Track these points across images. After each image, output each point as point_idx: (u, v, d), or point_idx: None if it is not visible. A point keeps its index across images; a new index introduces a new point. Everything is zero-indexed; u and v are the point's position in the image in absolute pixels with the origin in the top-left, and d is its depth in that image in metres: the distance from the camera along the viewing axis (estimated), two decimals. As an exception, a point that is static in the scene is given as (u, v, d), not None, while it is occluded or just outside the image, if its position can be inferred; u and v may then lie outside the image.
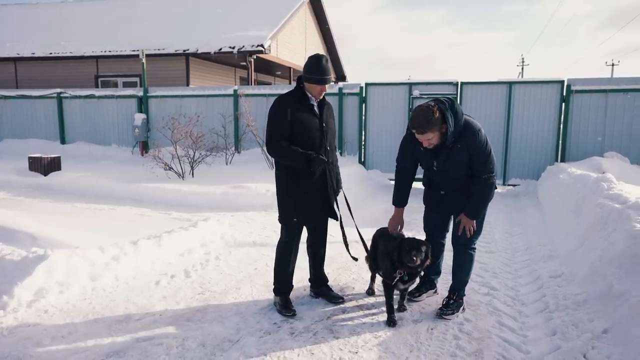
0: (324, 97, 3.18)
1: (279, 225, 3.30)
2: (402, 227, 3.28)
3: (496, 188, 3.10)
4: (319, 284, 3.49)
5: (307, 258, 3.49)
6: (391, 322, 3.02)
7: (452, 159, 2.94)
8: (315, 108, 3.14)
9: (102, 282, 3.59)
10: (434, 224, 3.31)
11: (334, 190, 3.24)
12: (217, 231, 4.94)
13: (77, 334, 2.87)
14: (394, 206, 3.25)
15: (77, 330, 2.91)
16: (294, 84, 3.19)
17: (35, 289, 3.21)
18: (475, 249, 3.21)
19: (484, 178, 2.91)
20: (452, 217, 3.26)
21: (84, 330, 2.92)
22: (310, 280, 3.53)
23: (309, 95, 3.11)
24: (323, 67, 3.04)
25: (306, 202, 3.14)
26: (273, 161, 3.31)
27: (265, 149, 8.65)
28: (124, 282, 3.69)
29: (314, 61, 3.06)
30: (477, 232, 3.13)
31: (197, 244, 4.56)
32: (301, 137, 3.05)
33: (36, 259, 3.34)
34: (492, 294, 3.53)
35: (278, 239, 3.33)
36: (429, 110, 2.76)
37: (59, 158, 8.81)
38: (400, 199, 3.22)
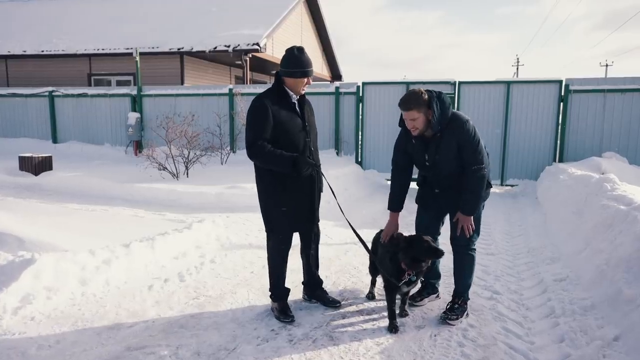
0: (303, 94, 3.03)
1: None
2: (396, 234, 3.18)
3: (491, 186, 3.04)
4: (314, 288, 3.37)
5: (301, 261, 3.36)
6: (393, 329, 2.92)
7: (442, 151, 2.91)
8: (297, 107, 2.99)
9: (92, 287, 3.45)
10: (426, 224, 3.22)
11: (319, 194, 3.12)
12: (212, 233, 4.81)
13: (65, 342, 2.73)
14: (389, 211, 3.17)
15: (65, 339, 2.77)
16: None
17: (21, 294, 3.07)
18: (475, 249, 3.12)
19: (474, 169, 2.86)
20: (448, 218, 3.16)
21: (72, 338, 2.79)
22: (303, 283, 3.40)
23: (290, 93, 2.95)
24: (305, 59, 2.89)
25: (295, 207, 2.99)
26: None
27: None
28: (115, 286, 3.55)
29: (295, 54, 2.89)
30: (476, 232, 3.05)
31: (191, 247, 4.43)
32: (284, 139, 2.87)
33: (23, 263, 3.20)
34: (495, 298, 3.44)
35: (266, 244, 3.18)
36: (417, 91, 2.89)
37: (50, 157, 8.63)
38: (395, 203, 3.14)
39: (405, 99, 2.89)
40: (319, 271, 3.41)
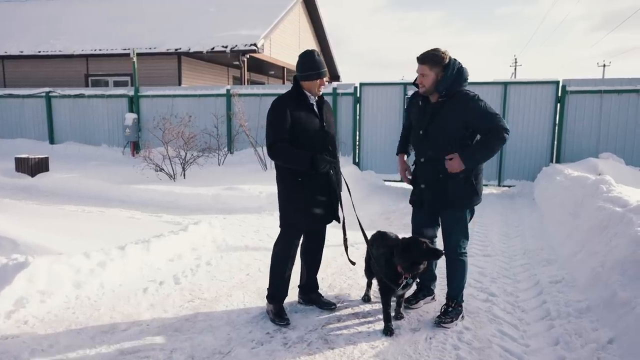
0: (322, 95, 3.11)
1: (273, 228, 3.19)
2: (409, 172, 3.30)
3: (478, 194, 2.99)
4: (310, 291, 3.37)
5: (300, 263, 3.35)
6: (388, 331, 2.91)
7: (438, 120, 2.91)
8: (315, 108, 3.06)
9: (87, 290, 3.43)
10: (421, 222, 3.22)
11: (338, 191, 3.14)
12: (208, 235, 4.79)
13: (58, 346, 2.72)
14: (397, 155, 3.41)
15: (59, 343, 2.76)
16: (287, 84, 3.10)
17: (15, 298, 3.06)
18: (465, 254, 3.11)
19: (495, 127, 2.77)
20: (440, 221, 3.15)
21: (65, 342, 2.77)
22: (300, 286, 3.39)
23: (308, 95, 3.03)
24: (318, 60, 2.98)
25: (313, 205, 3.03)
26: (272, 163, 3.20)
27: (257, 149, 8.55)
28: (110, 289, 3.54)
29: (309, 57, 2.98)
30: (464, 236, 3.06)
31: (187, 249, 4.42)
32: (303, 138, 2.95)
33: (16, 266, 3.19)
34: (491, 300, 3.43)
35: (274, 243, 3.20)
36: (441, 51, 2.87)
37: (46, 159, 8.60)
38: (401, 148, 3.37)
39: (425, 53, 2.90)
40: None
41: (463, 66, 2.89)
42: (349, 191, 3.25)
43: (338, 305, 3.34)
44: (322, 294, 3.42)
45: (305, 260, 3.33)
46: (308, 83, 2.99)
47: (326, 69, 3.03)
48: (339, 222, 3.20)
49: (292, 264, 3.16)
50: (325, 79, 3.02)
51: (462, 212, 3.02)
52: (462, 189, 2.94)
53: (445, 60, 2.84)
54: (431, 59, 2.85)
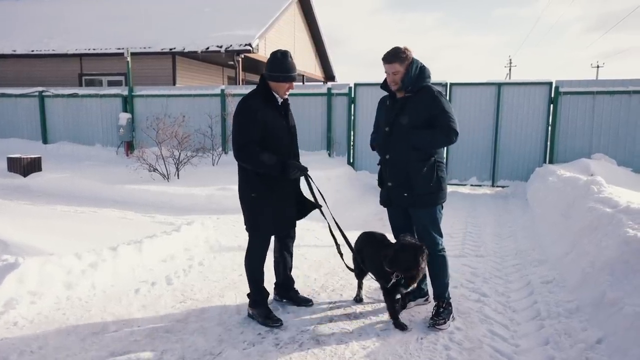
0: (286, 98, 3.06)
1: None
2: None
3: (443, 190, 3.03)
4: (288, 288, 3.36)
5: (273, 261, 3.33)
6: (400, 326, 2.94)
7: (404, 114, 2.98)
8: (281, 109, 3.01)
9: (78, 290, 3.42)
10: (395, 221, 3.26)
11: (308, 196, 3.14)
12: (201, 235, 4.78)
13: (47, 348, 2.71)
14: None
15: (48, 344, 2.74)
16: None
17: (4, 299, 3.04)
18: (444, 249, 3.13)
19: (447, 126, 2.90)
20: (413, 221, 3.17)
21: (55, 343, 2.76)
22: (276, 284, 3.37)
23: (275, 96, 2.96)
24: (289, 63, 2.89)
25: (280, 209, 3.00)
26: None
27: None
28: (101, 290, 3.52)
29: (279, 58, 2.90)
30: (438, 234, 3.08)
31: (180, 249, 4.41)
32: (270, 141, 2.88)
33: (6, 267, 3.17)
34: (482, 301, 3.45)
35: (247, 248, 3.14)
36: (402, 47, 3.01)
37: (39, 158, 8.55)
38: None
39: (392, 53, 2.98)
40: (308, 273, 3.42)
41: (425, 65, 3.02)
42: (324, 199, 3.22)
43: (330, 305, 3.35)
44: (314, 294, 3.43)
45: (277, 259, 3.31)
46: (275, 84, 2.92)
47: (295, 74, 2.95)
48: (304, 216, 3.22)
49: (264, 265, 3.13)
50: (292, 83, 2.95)
51: (431, 210, 3.05)
52: (428, 186, 2.98)
53: (408, 53, 2.97)
54: (397, 56, 2.96)
